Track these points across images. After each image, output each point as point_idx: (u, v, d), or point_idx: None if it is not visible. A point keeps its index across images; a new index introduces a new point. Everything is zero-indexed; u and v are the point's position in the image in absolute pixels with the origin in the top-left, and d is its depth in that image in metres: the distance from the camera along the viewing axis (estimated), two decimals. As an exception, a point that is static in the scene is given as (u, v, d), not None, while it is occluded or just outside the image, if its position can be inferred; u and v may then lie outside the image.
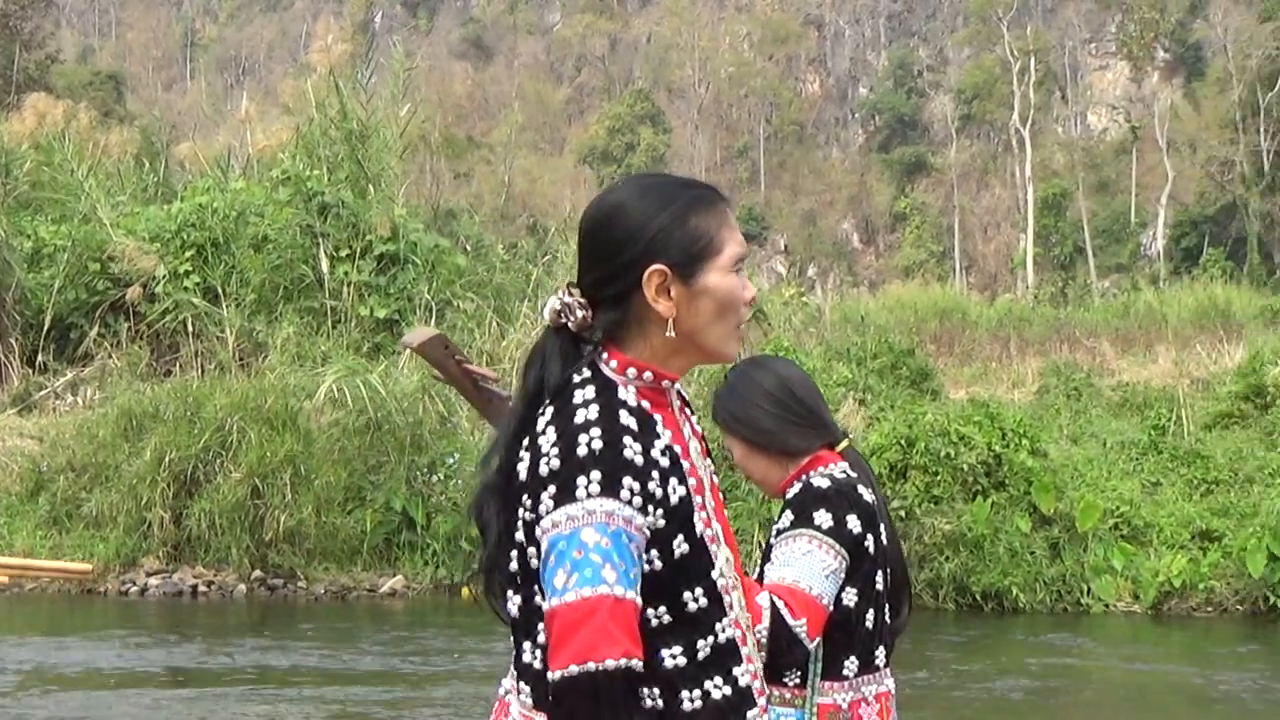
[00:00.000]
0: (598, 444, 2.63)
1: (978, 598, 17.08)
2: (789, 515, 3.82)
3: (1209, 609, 16.85)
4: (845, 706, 3.79)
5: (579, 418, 2.66)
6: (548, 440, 2.67)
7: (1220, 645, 15.69)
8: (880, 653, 3.90)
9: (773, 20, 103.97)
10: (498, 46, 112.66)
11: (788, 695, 3.78)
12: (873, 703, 3.88)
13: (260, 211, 26.19)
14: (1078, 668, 14.46)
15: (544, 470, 2.65)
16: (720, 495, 2.92)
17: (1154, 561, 17.34)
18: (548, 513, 2.62)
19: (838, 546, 3.73)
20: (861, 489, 3.86)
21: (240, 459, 18.10)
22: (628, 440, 2.65)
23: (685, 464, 2.76)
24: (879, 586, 3.87)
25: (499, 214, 55.65)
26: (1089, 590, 17.20)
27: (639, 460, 2.65)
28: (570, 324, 2.78)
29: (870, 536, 3.82)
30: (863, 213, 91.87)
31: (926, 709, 12.13)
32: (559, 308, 2.78)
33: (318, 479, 18.27)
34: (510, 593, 2.78)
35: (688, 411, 2.95)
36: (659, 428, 2.74)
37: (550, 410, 2.72)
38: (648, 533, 2.66)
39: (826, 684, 3.80)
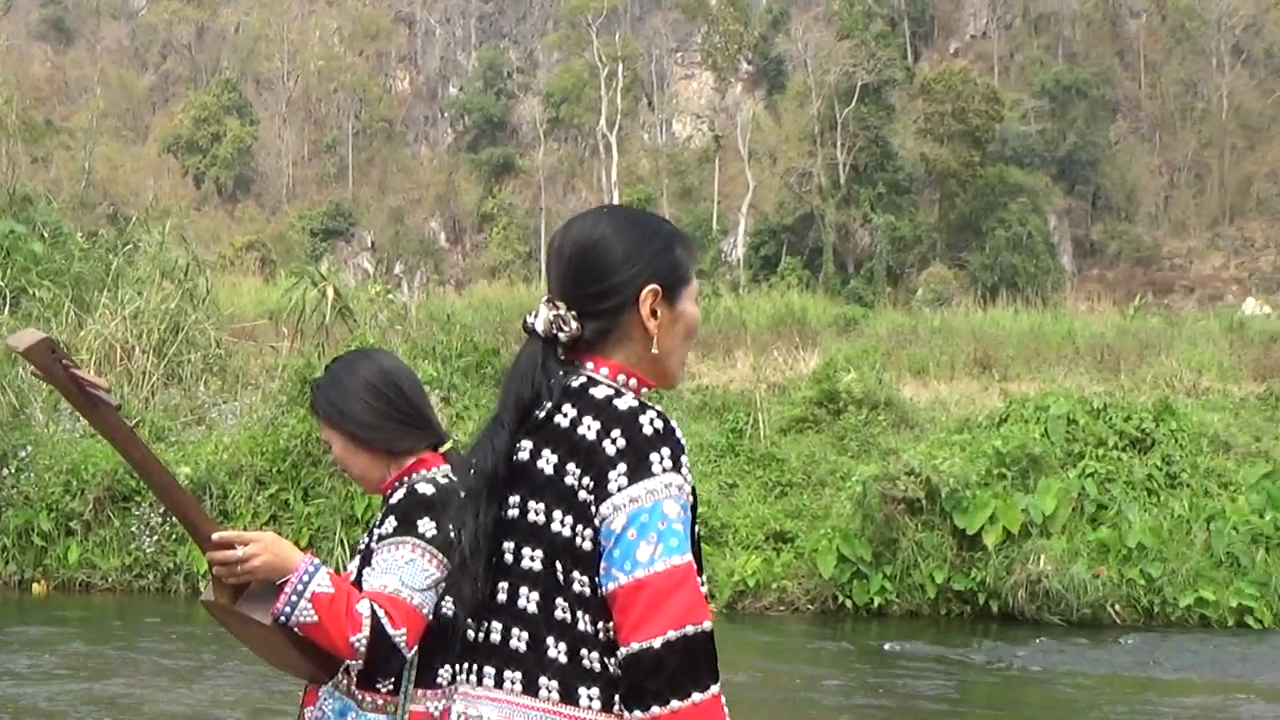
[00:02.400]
0: (660, 423, 2.82)
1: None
2: (392, 521, 3.79)
3: (781, 608, 17.37)
4: (437, 715, 3.77)
5: (622, 405, 2.86)
6: (591, 430, 2.84)
7: (792, 643, 16.21)
8: None
9: (363, 15, 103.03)
10: (80, 29, 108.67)
11: (380, 701, 3.76)
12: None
13: None
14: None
15: (610, 451, 2.80)
16: None
17: (730, 561, 17.76)
18: (621, 489, 2.77)
19: (440, 556, 3.70)
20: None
21: None
22: (673, 424, 2.85)
23: None
24: None
25: (79, 201, 53.69)
26: (668, 587, 17.54)
27: (684, 443, 2.85)
28: (562, 335, 2.94)
29: None
30: (450, 212, 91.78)
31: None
32: (552, 319, 2.94)
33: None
34: (524, 589, 2.90)
35: None
36: None
37: (570, 409, 2.89)
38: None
39: (420, 691, 3.78)
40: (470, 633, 3.00)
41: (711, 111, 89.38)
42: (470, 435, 17.68)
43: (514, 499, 2.94)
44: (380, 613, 3.59)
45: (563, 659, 2.83)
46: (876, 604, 16.76)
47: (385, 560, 3.73)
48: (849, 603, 16.84)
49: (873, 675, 14.15)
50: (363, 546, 3.90)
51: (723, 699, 2.81)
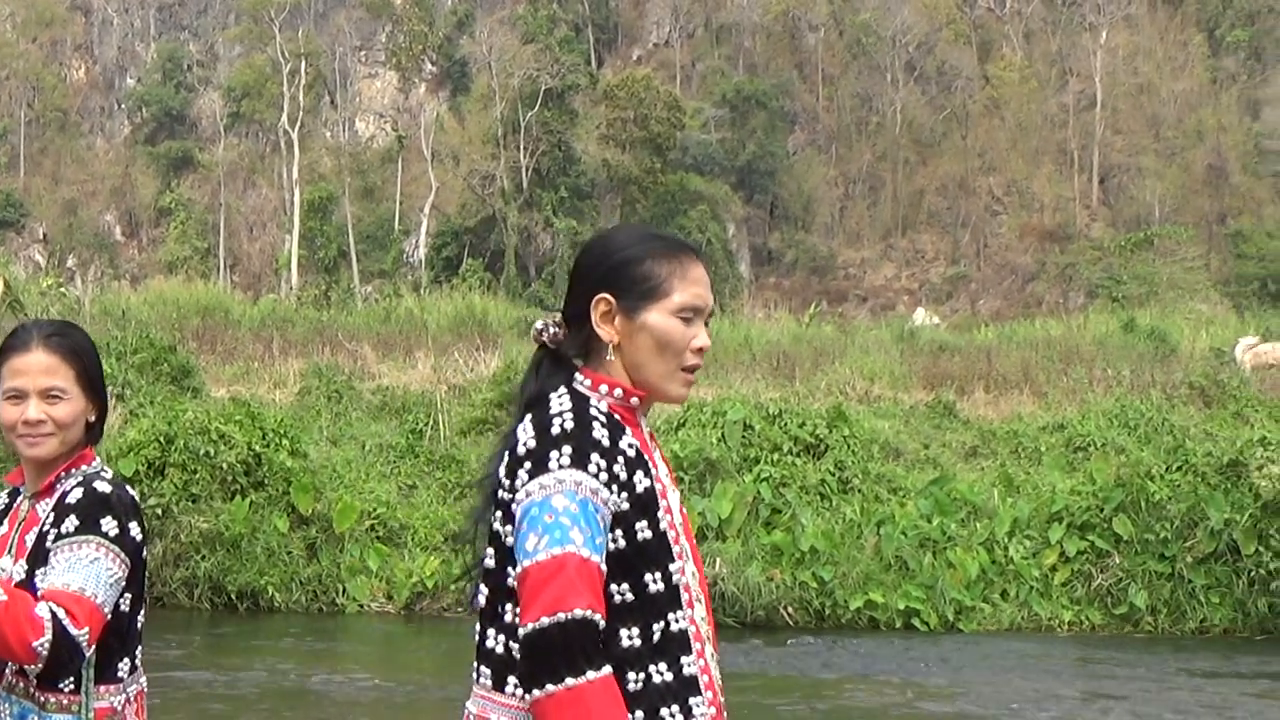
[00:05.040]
0: (569, 424, 2.98)
1: (233, 597, 16.93)
2: (74, 520, 3.69)
3: (459, 609, 17.30)
4: (119, 708, 3.74)
5: (553, 409, 3.03)
6: (525, 432, 3.03)
7: (469, 645, 16.09)
8: (139, 652, 3.86)
9: (37, 2, 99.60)
10: None
11: (64, 701, 3.68)
12: (133, 701, 3.84)
13: None
14: (332, 668, 14.53)
15: (521, 451, 2.99)
16: (689, 523, 3.21)
17: (408, 562, 17.66)
18: (523, 485, 2.96)
19: (122, 555, 3.67)
20: (132, 491, 3.76)
21: None
22: (596, 425, 2.99)
23: (652, 468, 3.08)
24: (144, 588, 3.83)
25: None
26: (344, 590, 17.35)
27: (606, 443, 2.98)
28: (547, 340, 3.20)
29: (146, 541, 3.76)
30: (127, 205, 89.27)
31: (177, 710, 11.89)
32: (540, 327, 3.21)
33: None
34: (482, 586, 3.12)
35: (657, 442, 3.25)
36: (628, 431, 3.07)
37: (529, 415, 3.07)
38: (612, 509, 2.96)
39: (102, 687, 3.72)
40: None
41: (395, 111, 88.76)
42: (143, 433, 17.18)
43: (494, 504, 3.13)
44: (61, 614, 3.51)
45: (499, 649, 3.05)
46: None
47: (68, 559, 3.64)
48: (526, 606, 16.73)
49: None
50: (20, 543, 3.78)
51: (609, 684, 2.88)
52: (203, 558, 16.84)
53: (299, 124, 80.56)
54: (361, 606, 17.27)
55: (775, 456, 18.97)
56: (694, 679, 3.05)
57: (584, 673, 2.82)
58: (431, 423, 21.38)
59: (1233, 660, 15.70)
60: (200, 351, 28.82)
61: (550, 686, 2.82)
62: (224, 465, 17.17)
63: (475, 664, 3.12)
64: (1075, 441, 22.03)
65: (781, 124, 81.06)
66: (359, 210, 78.38)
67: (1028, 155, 78.97)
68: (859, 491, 18.83)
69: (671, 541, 3.06)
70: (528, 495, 2.92)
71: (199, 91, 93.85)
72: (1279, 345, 33.67)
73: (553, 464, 2.92)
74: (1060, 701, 13.60)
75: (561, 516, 2.87)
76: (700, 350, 3.16)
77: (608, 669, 2.87)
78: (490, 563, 3.09)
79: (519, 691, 2.97)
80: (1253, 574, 16.73)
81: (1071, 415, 23.91)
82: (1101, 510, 17.77)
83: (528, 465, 2.96)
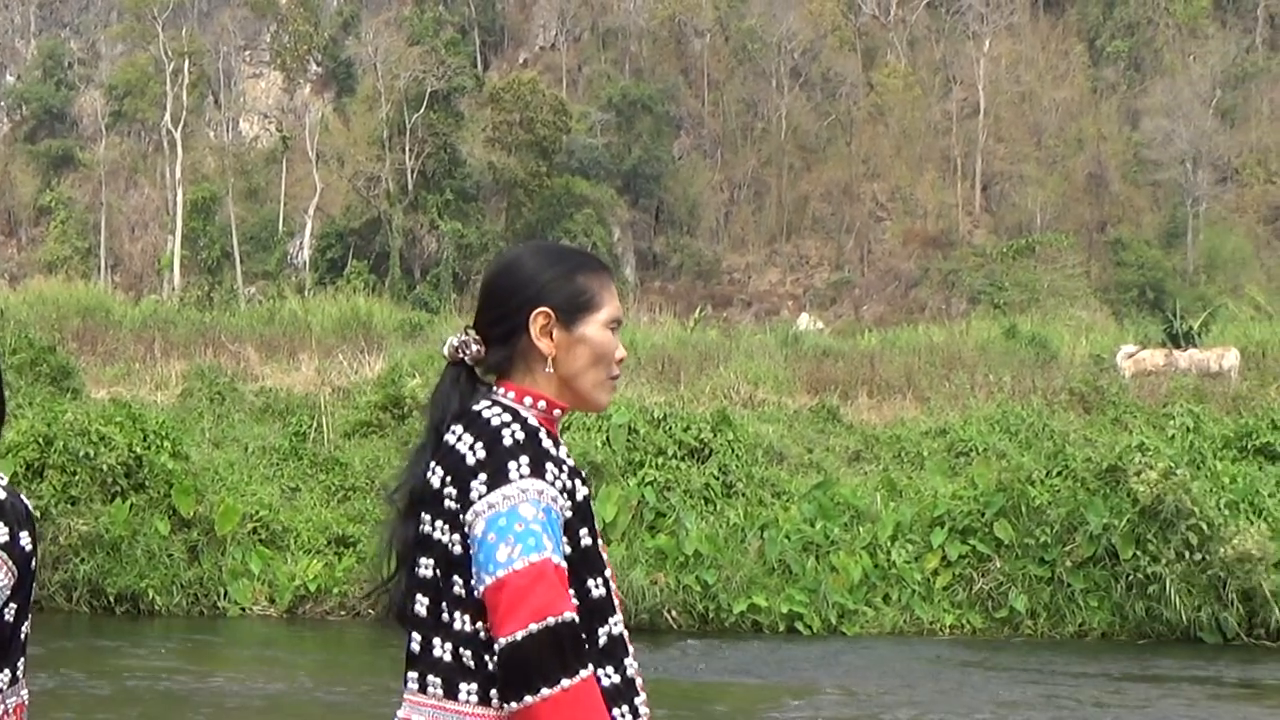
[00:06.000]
0: (520, 435, 3.05)
1: (113, 600, 16.75)
2: None
3: (342, 612, 17.22)
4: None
5: (495, 421, 3.07)
6: (464, 444, 3.06)
7: (352, 649, 16.06)
8: (22, 664, 3.74)
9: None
10: None
11: None
12: (12, 714, 3.72)
13: None
14: (212, 671, 14.42)
15: (470, 462, 3.03)
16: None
17: (291, 566, 17.55)
18: (480, 497, 2.99)
19: (10, 563, 3.54)
20: (27, 501, 3.68)
21: None
22: (541, 436, 3.08)
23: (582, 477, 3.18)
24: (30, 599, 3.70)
25: None
26: (226, 594, 17.21)
27: (553, 452, 3.08)
28: (466, 358, 3.23)
29: (37, 551, 3.66)
30: (5, 204, 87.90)
31: (58, 714, 11.74)
32: (457, 344, 3.23)
33: None
34: (419, 596, 3.13)
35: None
36: (560, 443, 3.15)
37: (459, 427, 3.11)
38: (565, 517, 3.05)
39: None
40: (407, 642, 3.18)
41: (280, 112, 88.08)
42: (21, 434, 16.95)
43: (423, 514, 3.15)
44: None
45: (447, 658, 3.06)
46: (438, 611, 16.67)
47: None
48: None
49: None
50: None
51: (593, 682, 2.96)
52: (82, 560, 16.64)
53: (182, 123, 79.66)
54: (243, 610, 17.13)
55: (660, 460, 19.02)
56: (634, 680, 3.16)
57: (577, 672, 2.91)
58: (315, 425, 21.25)
59: (1110, 662, 15.93)
60: (80, 352, 28.50)
61: (545, 690, 2.89)
62: (104, 467, 16.99)
63: (415, 673, 3.13)
64: (957, 446, 22.25)
65: (667, 128, 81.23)
66: (243, 211, 77.66)
67: (911, 162, 79.69)
68: (743, 495, 18.90)
69: (600, 546, 3.20)
70: (490, 507, 2.98)
71: (80, 89, 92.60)
72: (1158, 352, 34.22)
73: (513, 474, 2.99)
74: (942, 703, 13.74)
75: (532, 524, 2.95)
76: (620, 360, 3.31)
77: (591, 668, 2.96)
78: (428, 572, 3.12)
79: (473, 699, 3.03)
80: (1130, 578, 16.98)
81: (954, 420, 24.14)
82: (983, 515, 17.96)
83: (483, 476, 3.01)
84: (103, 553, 16.74)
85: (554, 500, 3.02)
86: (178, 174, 77.30)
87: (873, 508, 18.76)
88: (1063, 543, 17.45)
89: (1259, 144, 77.60)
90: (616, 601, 3.21)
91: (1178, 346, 36.03)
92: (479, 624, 3.01)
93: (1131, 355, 33.65)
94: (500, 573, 2.92)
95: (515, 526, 2.94)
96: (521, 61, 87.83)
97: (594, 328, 3.23)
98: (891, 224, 77.92)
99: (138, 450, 17.37)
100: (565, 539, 3.06)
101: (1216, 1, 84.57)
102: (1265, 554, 16.62)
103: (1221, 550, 16.60)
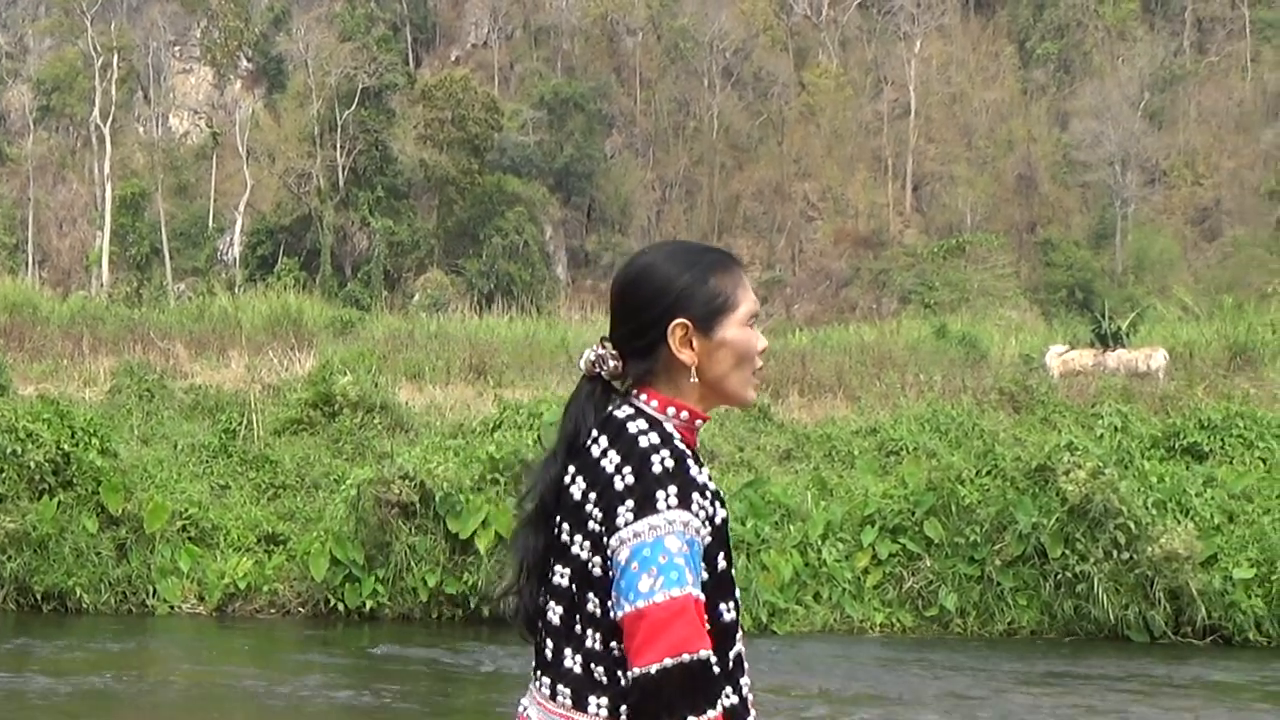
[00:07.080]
0: (670, 462, 3.04)
1: (40, 598, 16.62)
2: None
3: (272, 610, 17.15)
4: None
5: (644, 442, 3.07)
6: (611, 463, 3.08)
7: (282, 647, 16.00)
8: None
9: None
10: None
11: None
12: None
13: None
14: (141, 670, 14.32)
15: (619, 487, 3.04)
16: None
17: (220, 563, 17.45)
18: (627, 524, 3.00)
19: None
20: None
21: None
22: (689, 462, 3.07)
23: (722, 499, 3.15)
24: None
25: None
26: (155, 592, 17.10)
27: (699, 480, 3.07)
28: (604, 373, 3.22)
29: None
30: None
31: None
32: (594, 359, 3.23)
33: None
34: (554, 604, 3.17)
35: None
36: (704, 463, 3.13)
37: (604, 440, 3.12)
38: (705, 544, 3.06)
39: None
40: (539, 647, 3.23)
41: (210, 108, 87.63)
42: None
43: (560, 522, 3.19)
44: None
45: (577, 669, 3.11)
46: (369, 607, 16.75)
47: None
48: (341, 606, 16.77)
49: (362, 679, 14.04)
50: None
51: None
52: (9, 558, 16.50)
53: (111, 119, 79.05)
54: (172, 608, 17.02)
55: (591, 458, 19.02)
56: (747, 699, 3.21)
57: (704, 712, 2.95)
58: (245, 422, 21.13)
59: (1040, 660, 16.04)
60: (7, 349, 28.24)
61: None
62: (31, 464, 16.84)
63: (548, 679, 3.18)
64: (888, 445, 22.32)
65: (599, 127, 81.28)
66: (172, 207, 77.19)
67: (842, 162, 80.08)
68: (674, 494, 18.92)
69: (732, 571, 3.21)
70: (636, 535, 2.98)
71: (8, 84, 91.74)
72: (1086, 352, 34.49)
73: (661, 504, 2.99)
74: (873, 703, 13.81)
75: (676, 558, 2.96)
76: (763, 351, 3.29)
77: (719, 708, 3.00)
78: (563, 581, 3.16)
79: (602, 713, 3.07)
80: (1059, 577, 17.07)
81: (884, 419, 24.21)
82: (913, 514, 18.01)
83: (630, 504, 3.01)
84: (30, 550, 16.59)
85: (697, 531, 3.02)
86: (106, 169, 76.73)
87: (803, 506, 18.79)
88: (992, 541, 17.52)
89: (1186, 146, 78.35)
90: (741, 622, 3.22)
91: (1106, 347, 36.29)
92: (611, 643, 3.05)
93: (1060, 355, 33.91)
94: (641, 603, 2.94)
95: (659, 559, 2.95)
96: (453, 59, 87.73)
97: (733, 329, 3.20)
98: (823, 223, 78.29)
99: (65, 447, 17.23)
100: (703, 565, 3.06)
101: (1145, 4, 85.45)
102: (1192, 553, 16.72)
103: (1149, 549, 16.70)
